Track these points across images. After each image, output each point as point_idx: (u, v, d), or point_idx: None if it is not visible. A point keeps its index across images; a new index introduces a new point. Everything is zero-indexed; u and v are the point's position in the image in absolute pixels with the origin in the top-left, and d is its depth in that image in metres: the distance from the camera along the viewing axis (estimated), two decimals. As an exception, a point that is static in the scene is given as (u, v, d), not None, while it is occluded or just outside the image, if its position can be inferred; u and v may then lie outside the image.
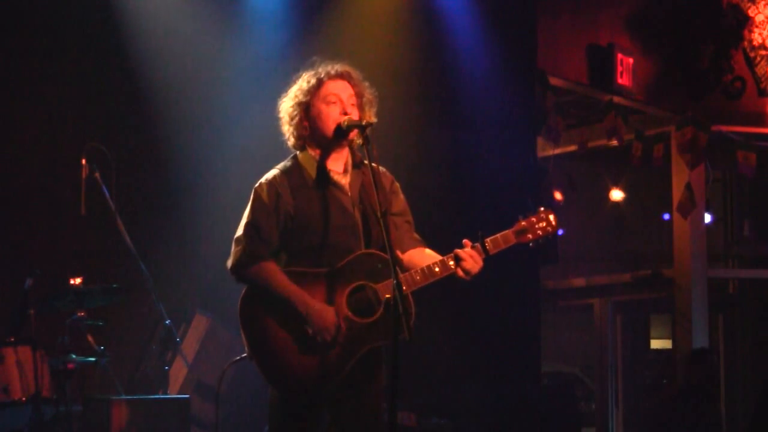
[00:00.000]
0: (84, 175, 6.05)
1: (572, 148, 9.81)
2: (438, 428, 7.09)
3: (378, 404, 3.84)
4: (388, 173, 4.03)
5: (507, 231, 3.87)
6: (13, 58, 6.67)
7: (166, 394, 6.04)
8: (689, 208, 9.52)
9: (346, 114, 3.87)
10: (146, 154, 7.09)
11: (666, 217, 11.03)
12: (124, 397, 5.85)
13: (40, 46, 6.74)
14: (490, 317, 7.86)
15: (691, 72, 9.64)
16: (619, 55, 9.07)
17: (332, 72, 3.95)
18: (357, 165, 3.97)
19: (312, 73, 3.96)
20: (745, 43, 9.76)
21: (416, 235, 4.02)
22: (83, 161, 6.07)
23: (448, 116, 8.04)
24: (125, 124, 7.00)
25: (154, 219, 6.95)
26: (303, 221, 3.85)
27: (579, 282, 11.49)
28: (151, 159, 7.11)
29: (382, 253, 3.74)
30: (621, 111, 9.13)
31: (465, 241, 3.82)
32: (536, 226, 3.91)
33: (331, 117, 3.88)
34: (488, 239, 3.83)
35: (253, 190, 3.91)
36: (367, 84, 4.01)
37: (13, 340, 5.58)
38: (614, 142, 9.41)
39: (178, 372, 6.63)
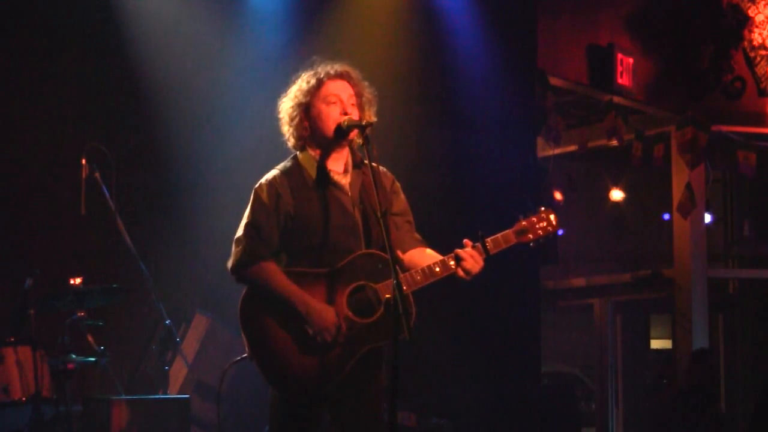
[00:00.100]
0: (84, 175, 6.05)
1: (572, 148, 9.81)
2: (438, 428, 7.09)
3: (378, 404, 3.84)
4: (388, 173, 4.03)
5: (507, 231, 3.86)
6: (13, 58, 6.67)
7: (166, 394, 6.03)
8: (689, 208, 9.52)
9: (346, 114, 3.87)
10: (146, 154, 7.09)
11: (666, 217, 11.04)
12: (124, 397, 5.84)
13: (40, 46, 6.73)
14: (490, 317, 7.86)
15: (691, 72, 9.65)
16: (619, 55, 9.07)
17: (332, 72, 3.94)
18: (357, 165, 3.97)
19: (311, 73, 3.96)
20: (745, 43, 9.77)
21: (417, 235, 4.02)
22: (83, 161, 6.07)
23: (448, 116, 8.04)
24: (125, 124, 7.00)
25: (154, 219, 6.95)
26: (303, 221, 3.85)
27: (579, 282, 11.49)
28: (151, 159, 7.11)
29: (382, 253, 3.73)
30: (621, 111, 9.13)
31: (465, 240, 3.82)
32: (537, 225, 3.90)
33: (332, 117, 3.88)
34: (489, 239, 3.82)
35: (253, 191, 3.91)
36: (366, 83, 4.01)
37: (13, 340, 5.57)
38: (614, 142, 9.41)
39: (178, 372, 6.63)
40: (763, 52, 9.79)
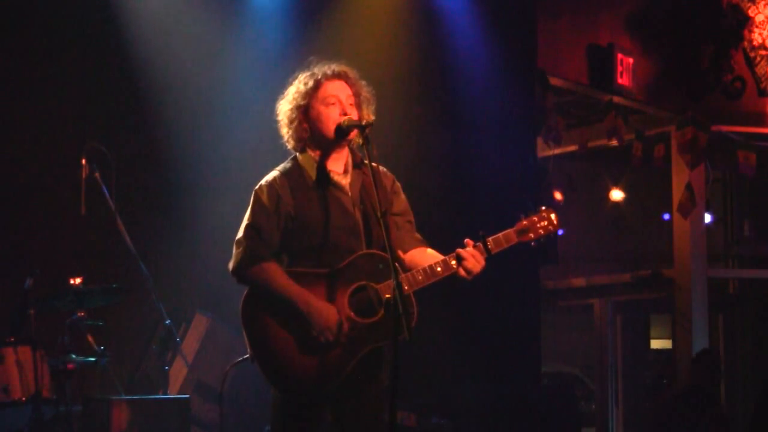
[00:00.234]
0: (84, 175, 6.06)
1: (572, 148, 9.81)
2: (438, 428, 7.08)
3: (379, 405, 3.83)
4: (389, 173, 4.03)
5: (509, 230, 3.87)
6: (13, 58, 6.67)
7: (166, 394, 6.04)
8: (689, 208, 9.52)
9: (345, 114, 3.87)
10: (146, 154, 7.08)
11: (666, 217, 11.03)
12: (124, 397, 5.84)
13: (40, 46, 6.73)
14: (490, 317, 7.85)
15: (691, 72, 9.64)
16: (619, 55, 9.07)
17: (329, 72, 3.94)
18: (357, 165, 3.97)
19: (308, 74, 3.95)
20: (745, 43, 9.76)
21: (418, 235, 4.02)
22: (83, 161, 6.07)
23: (448, 116, 8.04)
24: (125, 124, 7.00)
25: (154, 219, 6.95)
26: (303, 222, 3.84)
27: (579, 282, 11.49)
28: (151, 159, 7.10)
29: (383, 253, 3.73)
30: (621, 111, 9.13)
31: (467, 240, 3.82)
32: (538, 225, 3.90)
33: (331, 118, 3.88)
34: (490, 238, 3.82)
35: (253, 193, 3.91)
36: (363, 82, 4.01)
37: (13, 340, 5.56)
38: (614, 142, 9.41)
39: (178, 372, 6.63)
40: (763, 52, 9.78)
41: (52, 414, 5.54)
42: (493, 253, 3.82)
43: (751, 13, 9.77)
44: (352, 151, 3.99)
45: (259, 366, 3.78)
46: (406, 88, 7.53)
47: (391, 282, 3.52)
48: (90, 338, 5.89)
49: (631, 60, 9.18)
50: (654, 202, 11.63)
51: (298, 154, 3.98)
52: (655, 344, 13.47)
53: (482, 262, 3.79)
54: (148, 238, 6.61)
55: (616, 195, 11.73)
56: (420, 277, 3.78)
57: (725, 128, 9.68)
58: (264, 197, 3.86)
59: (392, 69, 7.36)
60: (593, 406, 11.74)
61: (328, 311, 3.74)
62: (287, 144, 3.99)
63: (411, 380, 5.87)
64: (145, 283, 6.07)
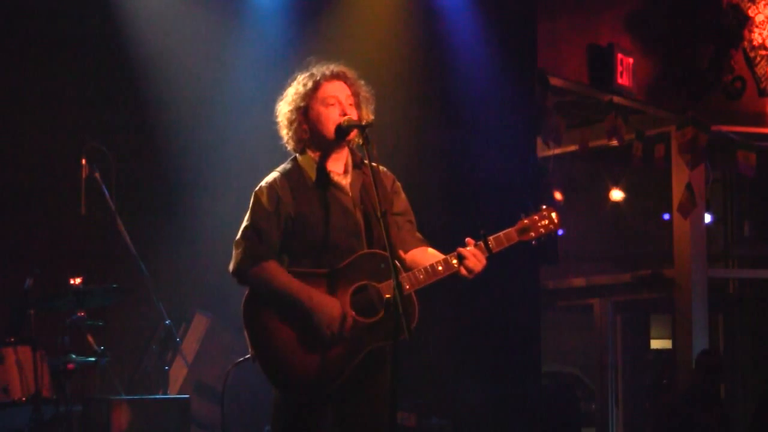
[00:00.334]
0: (84, 175, 6.06)
1: (572, 148, 9.81)
2: (438, 428, 7.09)
3: (381, 405, 3.82)
4: (389, 173, 4.03)
5: (510, 229, 3.87)
6: (13, 58, 6.67)
7: (166, 394, 6.04)
8: (689, 208, 9.52)
9: (345, 115, 3.87)
10: (146, 154, 7.08)
11: (666, 217, 11.03)
12: (124, 397, 5.84)
13: (40, 46, 6.73)
14: (490, 317, 7.85)
15: (691, 72, 9.64)
16: (619, 55, 9.06)
17: (327, 73, 3.93)
18: (357, 165, 3.97)
19: (307, 75, 3.95)
20: (745, 43, 9.76)
21: (419, 235, 4.02)
22: (83, 161, 6.07)
23: (448, 116, 8.03)
24: (125, 124, 7.00)
25: (154, 219, 6.94)
26: (304, 222, 3.84)
27: (579, 282, 11.49)
28: (151, 159, 7.10)
29: (384, 253, 3.72)
30: (621, 111, 9.12)
31: (468, 239, 3.82)
32: (539, 224, 3.91)
33: (331, 119, 3.88)
34: (491, 237, 3.82)
35: (253, 194, 3.91)
36: (362, 82, 4.00)
37: (13, 340, 5.57)
38: (614, 142, 9.40)
39: (178, 372, 6.63)
40: (763, 52, 9.78)
41: (52, 414, 5.54)
42: (494, 251, 3.83)
43: (751, 13, 9.77)
44: (352, 151, 3.99)
45: (260, 366, 3.78)
46: (406, 88, 7.53)
47: (393, 281, 3.52)
48: (90, 338, 5.89)
49: (631, 60, 9.17)
50: (654, 202, 11.63)
51: (298, 155, 3.98)
52: (655, 344, 13.47)
53: (483, 261, 3.79)
54: (148, 238, 6.60)
55: (616, 195, 11.73)
56: (421, 276, 3.78)
57: (725, 128, 9.68)
58: (264, 198, 3.86)
59: (392, 69, 7.36)
60: (593, 406, 11.74)
61: (331, 304, 3.73)
62: (287, 145, 3.99)
63: (411, 380, 5.87)
64: (145, 283, 6.06)
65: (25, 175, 6.67)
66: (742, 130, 9.72)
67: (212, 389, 6.48)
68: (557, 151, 9.39)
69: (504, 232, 3.86)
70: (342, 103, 3.89)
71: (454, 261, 3.79)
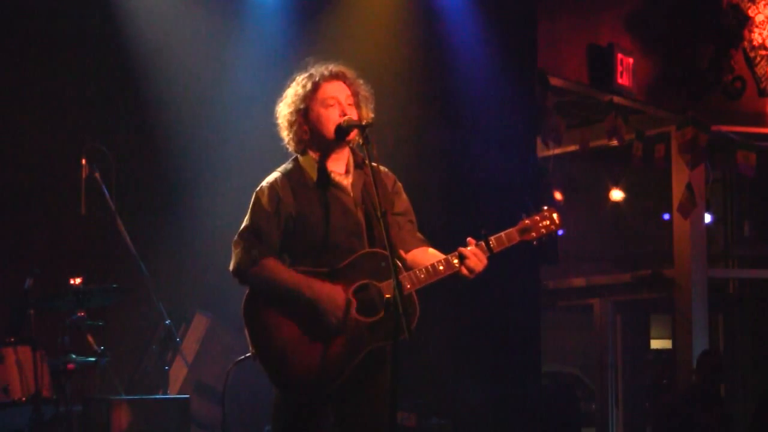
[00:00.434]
0: (84, 175, 6.06)
1: (572, 148, 9.81)
2: (438, 428, 7.09)
3: (381, 405, 3.82)
4: (390, 173, 4.02)
5: (511, 229, 3.87)
6: (13, 58, 6.67)
7: (166, 394, 6.03)
8: (689, 208, 9.52)
9: (345, 115, 3.87)
10: (146, 154, 7.08)
11: (666, 217, 11.03)
12: (124, 397, 5.84)
13: (40, 47, 6.73)
14: (490, 317, 7.85)
15: (691, 72, 9.65)
16: (619, 55, 9.07)
17: (326, 73, 3.93)
18: (358, 165, 3.96)
19: (306, 76, 3.94)
20: (745, 43, 9.77)
21: (419, 235, 4.01)
22: (83, 161, 6.07)
23: (448, 116, 8.03)
24: (125, 124, 7.00)
25: (154, 219, 6.94)
26: (304, 222, 3.84)
27: (579, 282, 11.50)
28: (151, 159, 7.10)
29: (385, 252, 3.72)
30: (621, 111, 9.13)
31: (469, 239, 3.82)
32: (540, 224, 3.91)
33: (331, 119, 3.87)
34: (492, 237, 3.83)
35: (253, 194, 3.91)
36: (361, 81, 4.00)
37: (13, 340, 5.56)
38: (614, 142, 9.41)
39: (178, 372, 6.63)
40: (763, 52, 9.79)
41: (52, 414, 5.54)
42: (495, 251, 3.83)
43: (751, 13, 9.77)
44: (353, 151, 3.99)
45: (261, 365, 3.78)
46: (406, 88, 7.53)
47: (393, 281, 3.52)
48: (90, 338, 5.88)
49: (631, 60, 9.18)
50: (654, 202, 11.64)
51: (299, 156, 3.98)
52: (655, 344, 13.47)
53: (484, 261, 3.79)
54: (148, 238, 6.60)
55: (616, 195, 11.73)
56: (422, 276, 3.77)
57: (725, 128, 9.69)
58: (264, 199, 3.86)
59: (392, 69, 7.36)
60: (593, 406, 11.74)
61: (333, 291, 3.73)
62: (288, 146, 3.98)
63: (411, 380, 5.87)
64: (145, 283, 6.06)
65: (25, 175, 6.66)
66: (742, 130, 9.73)
67: (212, 389, 6.48)
68: (557, 151, 9.39)
69: (505, 232, 3.86)
70: (342, 104, 3.89)
71: (456, 260, 3.79)
